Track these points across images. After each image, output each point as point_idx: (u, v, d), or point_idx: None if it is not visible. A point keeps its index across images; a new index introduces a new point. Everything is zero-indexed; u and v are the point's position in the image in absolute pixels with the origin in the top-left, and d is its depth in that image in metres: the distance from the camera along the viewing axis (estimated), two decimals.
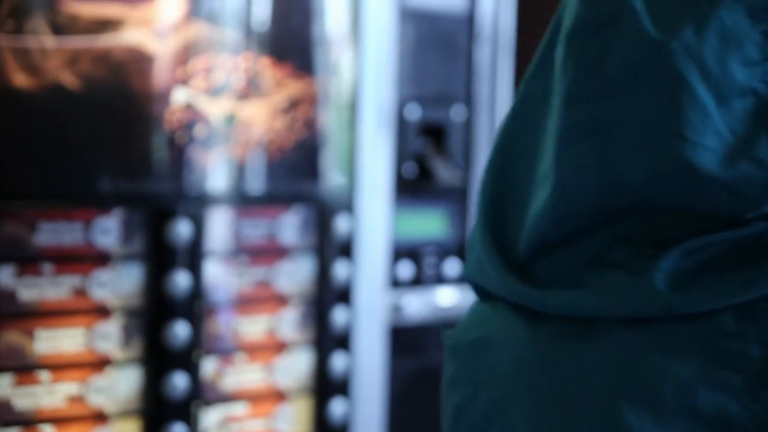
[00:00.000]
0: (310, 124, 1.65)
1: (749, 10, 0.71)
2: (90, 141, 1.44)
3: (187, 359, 1.52)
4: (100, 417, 1.45)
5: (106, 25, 1.43)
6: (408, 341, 1.81)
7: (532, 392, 0.72)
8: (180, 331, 1.50)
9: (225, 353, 1.57)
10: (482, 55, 1.87)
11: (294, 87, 1.63)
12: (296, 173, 1.65)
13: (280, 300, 1.63)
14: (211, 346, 1.56)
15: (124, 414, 1.47)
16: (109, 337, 1.46)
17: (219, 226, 1.57)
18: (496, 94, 1.88)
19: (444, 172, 1.81)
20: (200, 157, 1.53)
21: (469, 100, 1.86)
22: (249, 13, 1.58)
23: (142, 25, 1.46)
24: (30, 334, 1.40)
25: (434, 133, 1.82)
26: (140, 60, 1.46)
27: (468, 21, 1.85)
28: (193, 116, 1.52)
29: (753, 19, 0.71)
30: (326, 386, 1.67)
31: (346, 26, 1.68)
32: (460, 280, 1.87)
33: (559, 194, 0.73)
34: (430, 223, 1.85)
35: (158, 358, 1.50)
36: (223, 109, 1.55)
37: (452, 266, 1.86)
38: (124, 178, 1.47)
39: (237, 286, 1.58)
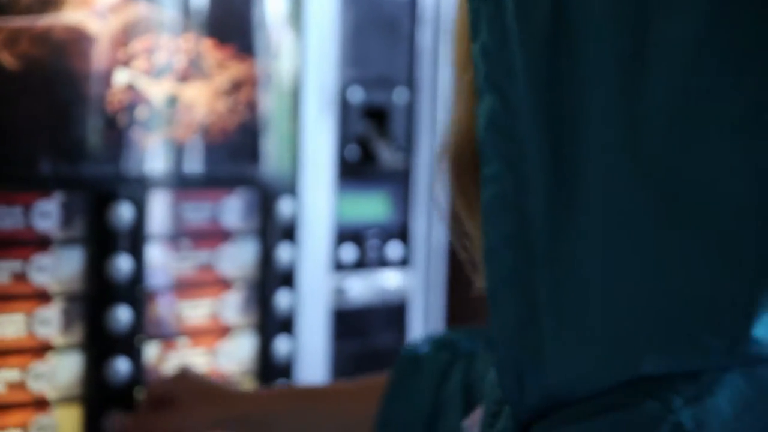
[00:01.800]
0: (253, 107, 1.64)
1: None
2: (29, 123, 1.41)
3: (129, 344, 1.50)
4: (41, 403, 1.43)
5: (46, 5, 1.40)
6: (351, 324, 1.81)
7: None
8: (122, 315, 1.48)
9: (167, 338, 1.56)
10: (424, 38, 1.87)
11: (236, 69, 1.61)
12: (238, 156, 1.63)
13: (223, 284, 1.62)
14: (154, 330, 1.54)
15: (66, 400, 1.45)
16: (49, 322, 1.44)
17: (160, 209, 1.55)
18: (438, 77, 1.88)
19: (386, 155, 1.81)
20: (141, 140, 1.51)
21: (411, 83, 1.86)
22: None
23: (83, 5, 1.43)
24: None
25: (377, 116, 1.82)
26: (80, 40, 1.44)
27: (410, 4, 1.85)
28: (134, 98, 1.50)
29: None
30: (270, 370, 1.67)
31: (289, 8, 1.67)
32: (403, 262, 1.87)
33: None
34: (372, 206, 1.84)
35: (100, 344, 1.48)
36: (164, 91, 1.53)
37: (395, 249, 1.86)
38: (64, 161, 1.45)
39: (179, 270, 1.57)
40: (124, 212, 1.49)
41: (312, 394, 1.48)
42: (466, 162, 0.70)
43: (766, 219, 0.60)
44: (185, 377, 1.50)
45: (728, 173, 0.60)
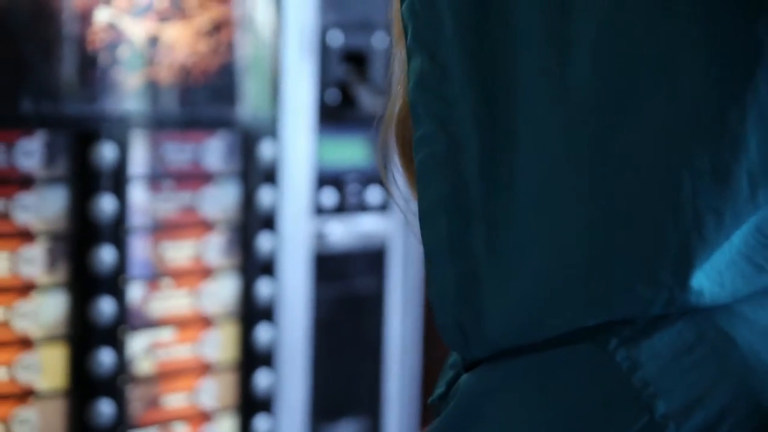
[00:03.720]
0: (233, 49, 1.63)
1: None
2: (10, 62, 1.40)
3: (113, 284, 1.50)
4: (25, 342, 1.43)
5: None
6: (331, 268, 1.81)
7: None
8: (105, 255, 1.48)
9: (151, 278, 1.56)
10: None
11: (217, 10, 1.61)
12: (220, 98, 1.63)
13: (205, 225, 1.62)
14: (137, 271, 1.54)
15: (51, 339, 1.45)
16: (33, 261, 1.43)
17: (142, 150, 1.54)
18: None
19: (366, 99, 1.81)
20: (122, 79, 1.50)
21: (390, 27, 1.86)
22: None
23: None
24: None
25: (356, 60, 1.82)
26: None
27: None
28: (115, 37, 1.49)
29: None
30: (252, 312, 1.67)
31: None
32: (382, 207, 1.88)
33: None
34: (352, 150, 1.84)
35: (84, 283, 1.48)
36: (145, 31, 1.52)
37: (374, 194, 1.86)
38: (46, 100, 1.44)
39: (162, 211, 1.57)
40: (106, 152, 1.48)
41: None
42: (409, 132, 0.67)
43: (698, 166, 0.59)
44: None
45: (656, 119, 0.59)
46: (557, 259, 0.61)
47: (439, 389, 0.71)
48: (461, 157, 0.62)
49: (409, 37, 0.63)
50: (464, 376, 0.65)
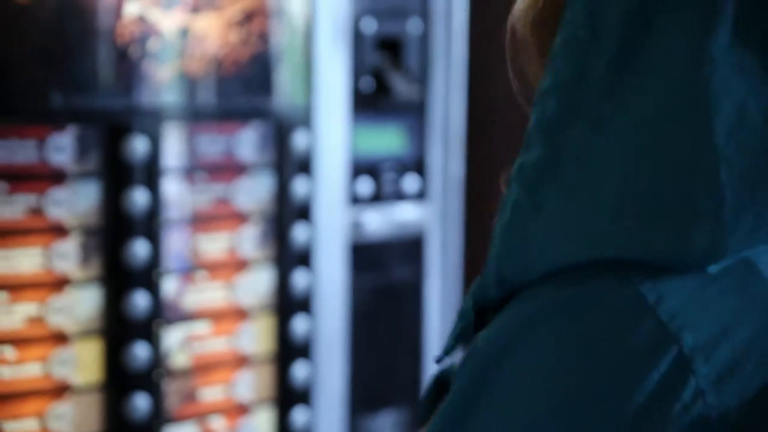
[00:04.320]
0: (265, 38, 1.62)
1: None
2: (41, 56, 1.40)
3: (148, 278, 1.50)
4: (60, 337, 1.43)
5: None
6: (368, 257, 1.80)
7: None
8: (139, 249, 1.48)
9: (185, 271, 1.55)
10: None
11: (248, 0, 1.59)
12: (252, 88, 1.62)
13: (240, 217, 1.61)
14: (171, 264, 1.53)
15: (85, 334, 1.45)
16: (67, 256, 1.43)
17: (175, 142, 1.53)
18: (452, 7, 1.86)
19: (401, 87, 1.79)
20: (154, 72, 1.49)
21: (425, 13, 1.84)
22: None
23: None
24: None
25: (390, 47, 1.80)
26: None
27: None
28: (145, 29, 1.48)
29: None
30: (288, 303, 1.66)
31: None
32: (419, 195, 1.86)
33: None
34: (388, 139, 1.83)
35: (118, 277, 1.47)
36: (176, 22, 1.51)
37: (411, 182, 1.84)
38: (77, 94, 1.43)
39: (195, 204, 1.56)
40: (138, 145, 1.48)
41: None
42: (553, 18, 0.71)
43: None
44: None
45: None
46: (621, 190, 0.63)
47: (448, 344, 0.72)
48: (596, 48, 0.65)
49: None
50: (495, 319, 0.66)
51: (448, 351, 0.73)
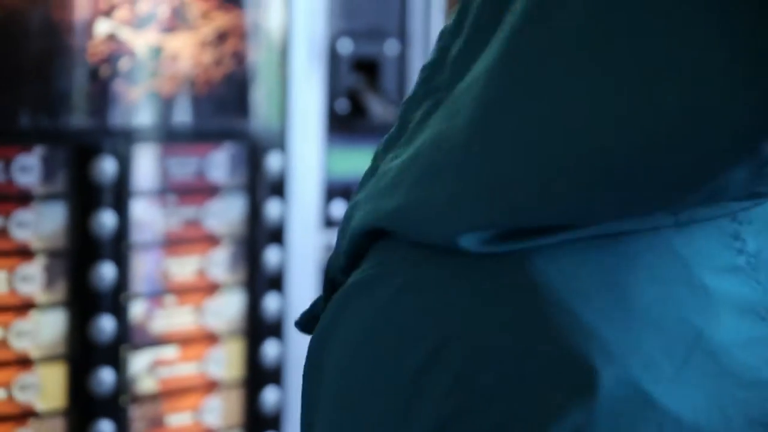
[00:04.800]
0: (240, 59, 1.60)
1: None
2: (8, 75, 1.37)
3: (115, 302, 1.47)
4: (24, 362, 1.40)
5: None
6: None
7: None
8: (106, 272, 1.45)
9: (154, 295, 1.53)
10: None
11: (222, 19, 1.57)
12: (225, 109, 1.59)
13: (211, 240, 1.59)
14: (140, 287, 1.51)
15: (50, 359, 1.42)
16: (31, 279, 1.40)
17: (145, 163, 1.51)
18: (430, 28, 1.84)
19: (377, 108, 1.77)
20: (125, 92, 1.47)
21: (402, 34, 1.82)
22: None
23: None
24: None
25: (367, 68, 1.78)
26: None
27: None
28: (116, 49, 1.46)
29: None
30: (259, 328, 1.63)
31: None
32: None
33: None
34: (363, 161, 1.79)
35: (84, 301, 1.44)
36: (148, 42, 1.49)
37: None
38: (45, 114, 1.41)
39: (165, 226, 1.53)
40: (107, 166, 1.45)
41: None
42: None
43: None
44: None
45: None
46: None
47: (314, 305, 0.74)
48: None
49: None
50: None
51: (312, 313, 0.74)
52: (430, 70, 0.70)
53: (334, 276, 0.71)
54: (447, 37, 0.70)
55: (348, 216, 0.71)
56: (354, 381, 0.65)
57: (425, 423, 0.61)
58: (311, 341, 0.71)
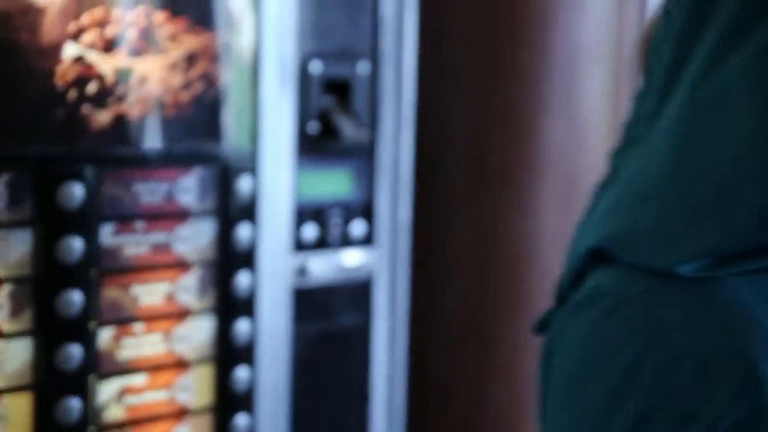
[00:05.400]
0: (210, 81, 1.58)
1: None
2: None
3: (82, 329, 1.45)
4: None
5: None
6: (314, 304, 1.76)
7: None
8: (73, 299, 1.43)
9: (122, 322, 1.50)
10: (387, 8, 1.81)
11: (191, 42, 1.55)
12: (195, 132, 1.57)
13: (180, 265, 1.56)
14: (108, 315, 1.48)
15: (15, 389, 1.39)
16: None
17: (114, 188, 1.49)
18: (402, 49, 1.83)
19: (349, 130, 1.75)
20: (93, 116, 1.45)
21: (374, 55, 1.80)
22: None
23: None
24: None
25: (339, 90, 1.76)
26: (28, 12, 1.37)
27: None
28: (85, 72, 1.44)
29: None
30: (229, 353, 1.61)
31: None
32: (366, 240, 1.82)
33: None
34: (335, 183, 1.79)
35: (51, 329, 1.42)
36: (116, 65, 1.47)
37: (358, 227, 1.80)
38: (11, 139, 1.38)
39: (134, 252, 1.51)
40: (75, 192, 1.43)
41: None
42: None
43: None
44: None
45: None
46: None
47: (548, 313, 0.94)
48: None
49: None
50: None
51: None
52: (629, 124, 0.93)
53: (561, 290, 0.92)
54: (640, 95, 0.93)
55: (574, 238, 0.92)
56: (576, 375, 0.86)
57: (632, 410, 0.81)
58: (546, 341, 0.92)
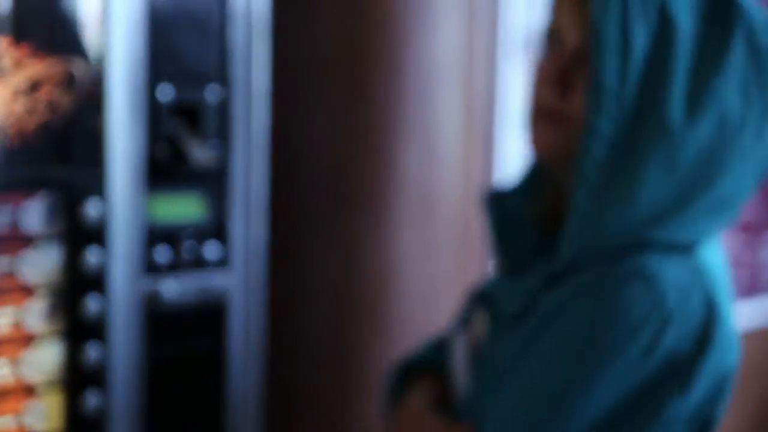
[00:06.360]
0: (55, 107, 1.58)
1: None
2: None
3: None
4: None
5: None
6: (167, 327, 1.77)
7: None
8: None
9: None
10: (236, 34, 1.83)
11: (35, 68, 1.56)
12: (41, 158, 1.58)
13: (26, 291, 1.56)
14: None
15: None
16: None
17: None
18: (252, 74, 1.85)
19: (199, 154, 1.77)
20: None
21: (224, 79, 1.82)
22: None
23: None
24: None
25: (188, 114, 1.78)
26: None
27: (219, 1, 1.81)
28: None
29: None
30: (79, 378, 1.62)
31: (93, 3, 1.62)
32: (221, 262, 1.84)
33: None
34: (186, 206, 1.80)
35: None
36: None
37: (211, 249, 1.82)
38: None
39: None
40: None
41: None
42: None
43: None
44: None
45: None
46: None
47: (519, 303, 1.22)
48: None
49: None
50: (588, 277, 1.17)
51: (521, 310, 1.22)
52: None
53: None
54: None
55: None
56: (599, 326, 1.12)
57: (642, 343, 1.11)
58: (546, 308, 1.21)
